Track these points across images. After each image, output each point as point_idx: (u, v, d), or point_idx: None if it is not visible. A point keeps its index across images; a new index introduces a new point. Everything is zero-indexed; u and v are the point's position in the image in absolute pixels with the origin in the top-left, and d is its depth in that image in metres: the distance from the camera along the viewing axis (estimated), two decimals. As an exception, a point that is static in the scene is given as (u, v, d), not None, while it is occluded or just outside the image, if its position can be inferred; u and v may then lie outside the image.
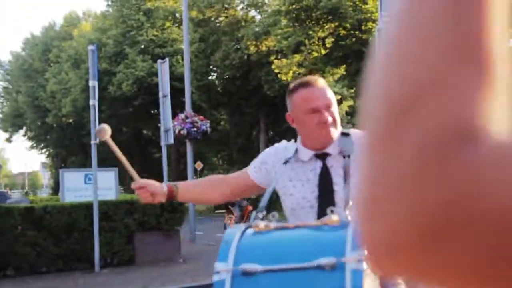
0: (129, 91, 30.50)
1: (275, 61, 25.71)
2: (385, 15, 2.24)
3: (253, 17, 30.93)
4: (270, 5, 30.11)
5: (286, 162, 2.63)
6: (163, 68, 14.86)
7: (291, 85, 2.68)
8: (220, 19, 30.26)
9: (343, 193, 2.46)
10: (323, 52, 24.91)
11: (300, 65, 25.21)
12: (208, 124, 16.23)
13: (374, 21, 24.14)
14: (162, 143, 14.78)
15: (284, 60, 25.33)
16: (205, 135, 16.72)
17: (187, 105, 16.27)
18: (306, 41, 24.53)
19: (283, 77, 25.57)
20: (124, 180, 23.77)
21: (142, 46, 32.57)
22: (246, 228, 2.16)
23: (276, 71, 25.55)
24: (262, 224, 2.15)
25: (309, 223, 2.28)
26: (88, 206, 10.78)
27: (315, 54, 24.95)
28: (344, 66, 24.91)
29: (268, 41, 27.20)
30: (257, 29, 28.41)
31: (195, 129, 15.76)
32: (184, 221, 12.82)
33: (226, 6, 29.89)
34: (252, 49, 27.56)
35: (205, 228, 20.31)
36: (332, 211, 2.16)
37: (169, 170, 26.28)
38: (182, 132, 15.60)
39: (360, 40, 24.44)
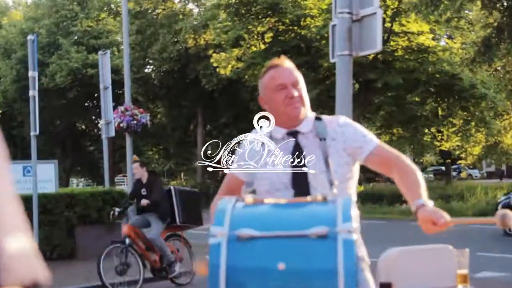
0: (63, 83, 29.79)
1: (214, 54, 25.63)
2: (339, 12, 2.37)
3: (191, 10, 30.73)
4: (208, -1, 30.03)
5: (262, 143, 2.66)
6: (104, 60, 14.68)
7: (263, 70, 2.75)
8: (158, 11, 29.93)
9: (325, 174, 2.51)
10: (262, 46, 25.01)
11: (239, 59, 25.25)
12: (148, 117, 16.03)
13: (312, 17, 24.44)
14: (103, 136, 14.62)
15: (222, 54, 25.30)
16: (144, 128, 16.57)
17: (126, 98, 16.03)
18: (246, 36, 24.56)
19: (222, 71, 25.56)
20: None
21: (76, 37, 31.82)
22: (237, 201, 2.20)
23: (215, 65, 25.50)
24: (251, 198, 2.22)
25: (298, 199, 2.33)
26: (27, 199, 10.40)
27: (254, 48, 25.03)
28: (283, 61, 25.06)
29: (207, 34, 27.11)
30: (195, 23, 28.23)
31: (134, 122, 15.54)
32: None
33: (164, -2, 29.68)
34: (190, 42, 27.41)
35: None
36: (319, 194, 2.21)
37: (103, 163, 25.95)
38: (121, 125, 15.35)
39: (299, 35, 24.65)
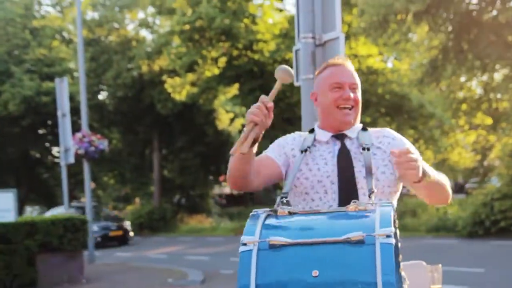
0: (16, 111, 29.49)
1: (168, 79, 25.83)
2: (303, 36, 2.87)
3: (144, 37, 30.87)
4: (162, 26, 30.23)
5: (305, 150, 2.56)
6: (62, 87, 14.71)
7: (322, 65, 2.71)
8: (111, 38, 29.96)
9: (366, 183, 2.42)
10: (216, 71, 25.33)
11: (193, 84, 25.49)
12: (106, 143, 16.14)
13: (265, 41, 24.92)
14: (62, 163, 14.57)
15: (177, 78, 25.51)
16: (101, 154, 16.58)
17: (83, 125, 16.08)
18: (200, 61, 24.84)
19: (177, 96, 25.75)
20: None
21: (29, 65, 31.56)
22: (271, 211, 2.19)
23: (169, 90, 25.68)
24: (287, 210, 2.18)
25: (336, 209, 2.25)
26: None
27: (208, 73, 25.31)
28: (237, 85, 25.48)
29: (161, 60, 27.27)
30: (149, 49, 28.38)
31: (93, 148, 15.60)
32: (87, 241, 12.71)
33: (116, 26, 29.68)
34: (145, 68, 27.51)
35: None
36: (355, 202, 2.15)
37: (60, 191, 25.67)
38: (79, 151, 15.39)
39: (252, 60, 25.09)
